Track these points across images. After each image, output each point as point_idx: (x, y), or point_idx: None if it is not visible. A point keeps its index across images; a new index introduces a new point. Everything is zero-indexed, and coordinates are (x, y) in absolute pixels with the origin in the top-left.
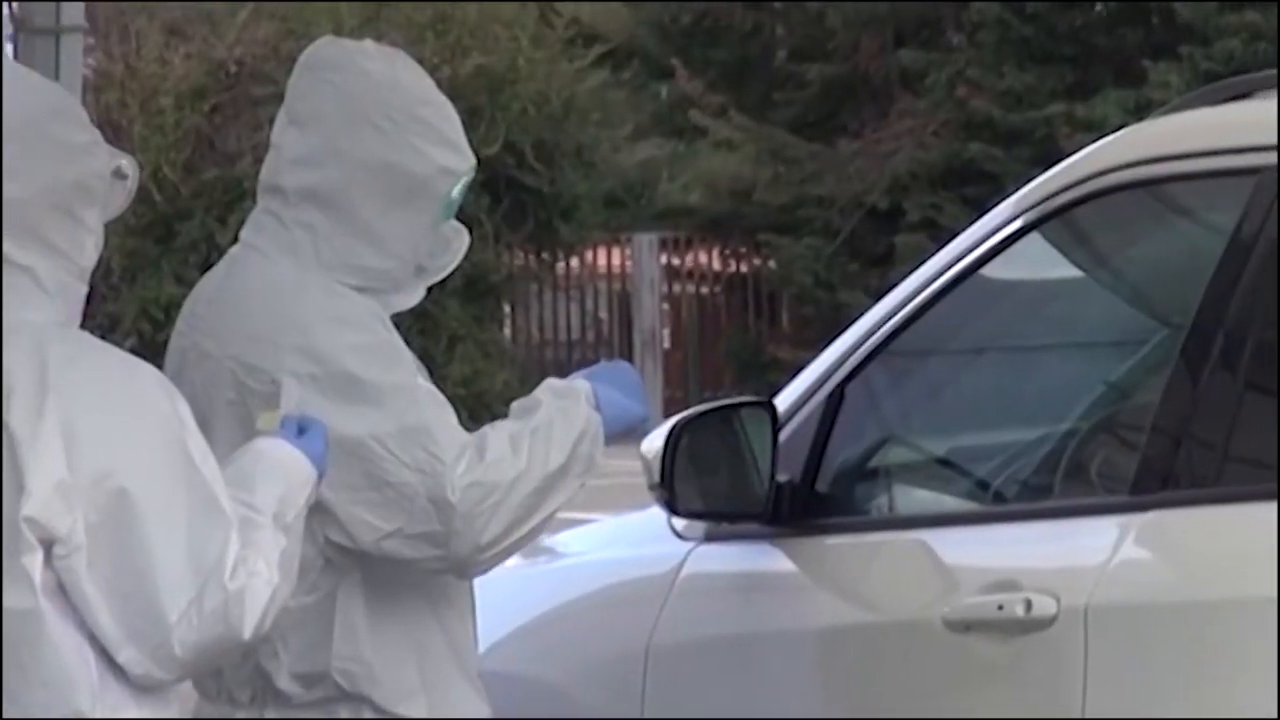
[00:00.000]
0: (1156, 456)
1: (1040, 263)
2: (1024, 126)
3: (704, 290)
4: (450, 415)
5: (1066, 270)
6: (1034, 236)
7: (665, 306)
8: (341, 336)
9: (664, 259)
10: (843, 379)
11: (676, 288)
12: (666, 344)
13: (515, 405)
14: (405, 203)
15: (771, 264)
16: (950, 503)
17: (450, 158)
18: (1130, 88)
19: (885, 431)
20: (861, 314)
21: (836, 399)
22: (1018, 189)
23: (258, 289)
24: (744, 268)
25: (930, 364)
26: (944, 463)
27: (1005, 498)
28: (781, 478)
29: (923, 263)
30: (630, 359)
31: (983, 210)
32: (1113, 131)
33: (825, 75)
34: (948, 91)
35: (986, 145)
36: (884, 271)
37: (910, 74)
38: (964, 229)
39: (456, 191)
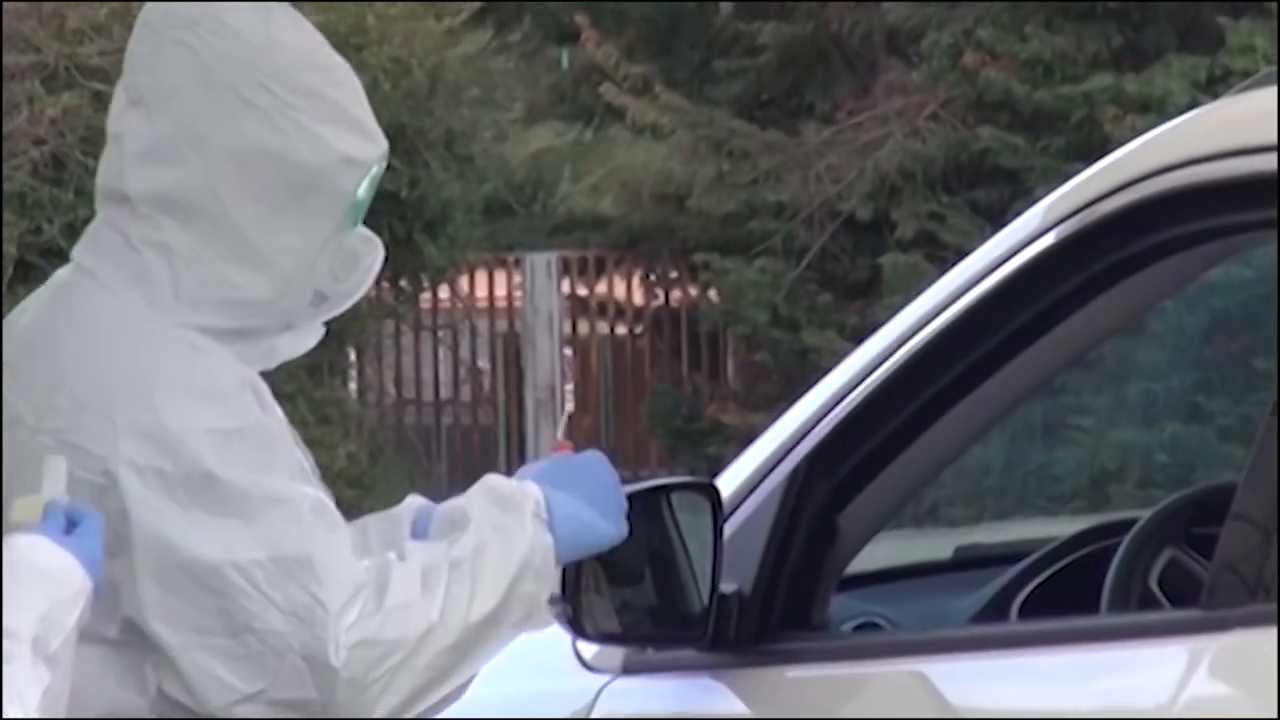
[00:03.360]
0: (1239, 558)
1: (1079, 296)
2: (1056, 107)
3: (621, 330)
4: (341, 536)
5: (1114, 309)
6: (1069, 258)
7: (569, 352)
8: (198, 416)
9: (567, 287)
10: (811, 452)
11: (584, 327)
12: (570, 404)
13: (438, 514)
14: (296, 206)
15: (713, 294)
16: (959, 621)
17: (353, 142)
18: (1201, 54)
19: (870, 524)
20: (836, 363)
21: (802, 479)
22: (1048, 192)
23: (89, 334)
24: (675, 299)
25: (930, 433)
26: (951, 567)
27: (1033, 614)
28: (727, 586)
29: (919, 293)
30: (520, 423)
31: (1000, 222)
32: (1178, 114)
33: (784, 38)
34: (951, 60)
35: (1004, 132)
36: (866, 305)
37: (900, 36)
38: (975, 248)
39: (364, 189)
